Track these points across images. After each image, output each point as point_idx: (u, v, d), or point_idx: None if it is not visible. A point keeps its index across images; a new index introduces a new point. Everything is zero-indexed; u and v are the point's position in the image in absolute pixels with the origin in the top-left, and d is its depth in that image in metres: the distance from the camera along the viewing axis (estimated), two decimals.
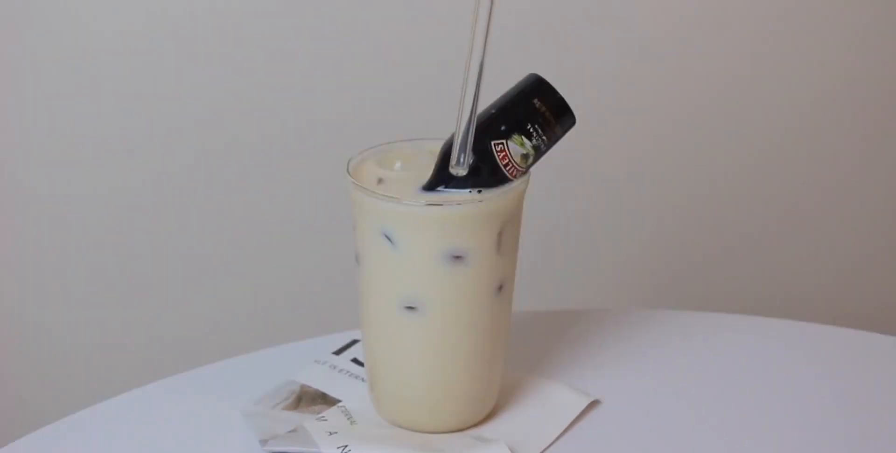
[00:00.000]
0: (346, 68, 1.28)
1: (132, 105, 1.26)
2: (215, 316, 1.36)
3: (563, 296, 1.43)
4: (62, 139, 1.26)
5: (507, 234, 0.73)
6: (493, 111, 0.72)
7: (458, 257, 0.72)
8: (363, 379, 0.82)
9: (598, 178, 1.38)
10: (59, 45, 1.22)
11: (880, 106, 1.39)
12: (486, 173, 0.72)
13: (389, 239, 0.72)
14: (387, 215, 0.71)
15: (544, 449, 0.76)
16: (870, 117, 1.39)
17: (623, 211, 1.40)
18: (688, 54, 1.33)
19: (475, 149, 0.71)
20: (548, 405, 0.80)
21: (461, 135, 0.70)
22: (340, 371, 0.84)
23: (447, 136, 0.73)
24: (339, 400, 0.81)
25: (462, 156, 0.71)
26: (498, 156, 0.71)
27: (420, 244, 0.71)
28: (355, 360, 0.85)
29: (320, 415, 0.79)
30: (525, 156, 0.72)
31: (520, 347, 0.86)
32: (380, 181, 0.74)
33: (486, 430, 0.78)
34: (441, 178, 0.72)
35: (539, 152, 0.73)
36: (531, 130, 0.72)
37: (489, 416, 0.79)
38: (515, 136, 0.72)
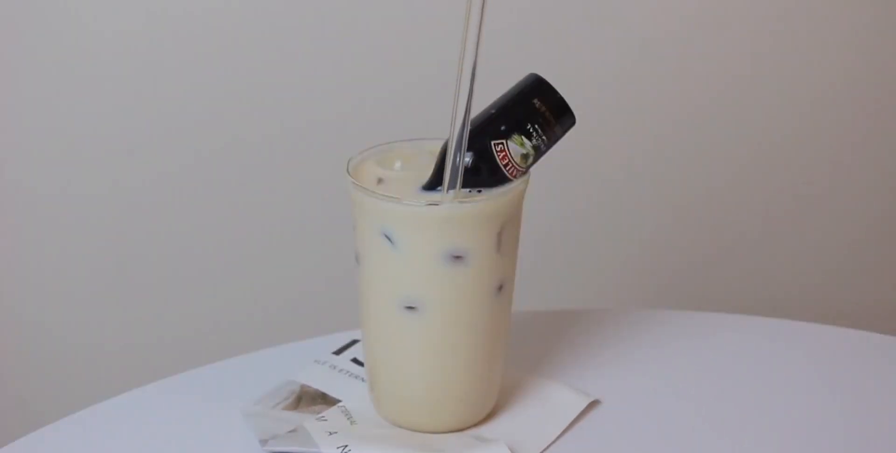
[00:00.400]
0: (346, 68, 1.28)
1: (132, 105, 1.26)
2: (215, 316, 1.36)
3: (563, 296, 1.43)
4: (62, 139, 1.26)
5: (507, 234, 0.73)
6: (493, 111, 0.72)
7: (458, 257, 0.72)
8: (363, 379, 0.82)
9: (598, 178, 1.38)
10: (59, 45, 1.22)
11: (880, 106, 1.39)
12: (486, 173, 0.72)
13: (389, 239, 0.72)
14: (387, 215, 0.71)
15: (544, 449, 0.76)
16: (870, 117, 1.39)
17: (623, 211, 1.40)
18: (688, 54, 1.33)
19: (475, 150, 0.71)
20: (548, 405, 0.80)
21: (450, 166, 0.70)
22: (340, 371, 0.84)
23: (447, 136, 0.73)
24: (339, 400, 0.81)
25: (455, 180, 0.71)
26: (498, 157, 0.71)
27: (420, 244, 0.71)
28: (355, 360, 0.85)
29: (320, 415, 0.79)
30: (525, 156, 0.72)
31: (520, 347, 0.86)
32: (380, 181, 0.74)
33: (486, 430, 0.78)
34: (441, 178, 0.72)
35: (539, 152, 0.73)
36: (531, 130, 0.72)
37: (489, 416, 0.79)
38: (515, 136, 0.72)
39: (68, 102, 1.25)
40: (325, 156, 1.29)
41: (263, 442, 0.76)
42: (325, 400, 0.81)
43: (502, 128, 0.72)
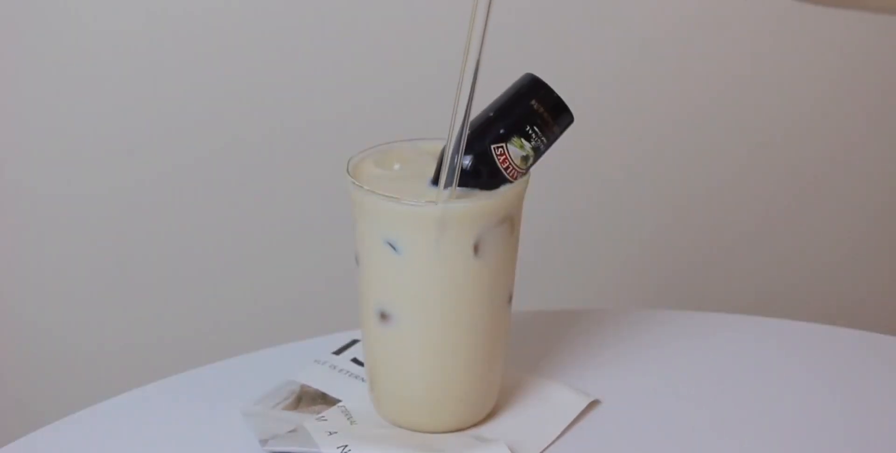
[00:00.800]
0: (346, 68, 1.28)
1: (132, 105, 1.26)
2: (215, 316, 1.36)
3: (563, 296, 1.43)
4: (62, 139, 1.26)
5: (507, 234, 0.73)
6: (491, 114, 0.72)
7: (457, 257, 0.72)
8: (363, 379, 0.82)
9: (598, 178, 1.38)
10: (59, 45, 1.22)
11: (880, 106, 1.39)
12: (485, 176, 0.72)
13: (390, 239, 0.72)
14: (386, 215, 0.71)
15: (544, 449, 0.76)
16: (869, 117, 1.40)
17: (623, 211, 1.40)
18: (688, 54, 1.33)
19: (475, 153, 0.71)
20: (548, 405, 0.80)
21: (448, 166, 0.70)
22: (340, 371, 0.84)
23: (447, 136, 0.73)
24: (339, 400, 0.81)
25: (449, 183, 0.71)
26: (498, 160, 0.71)
27: (420, 243, 0.71)
28: (355, 360, 0.85)
29: (320, 415, 0.79)
30: (525, 158, 0.72)
31: (520, 347, 0.86)
32: (380, 181, 0.74)
33: (486, 430, 0.78)
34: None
35: (539, 153, 0.72)
36: (530, 132, 0.72)
37: (489, 416, 0.79)
38: (515, 139, 0.72)
39: (68, 102, 1.25)
40: (325, 156, 1.29)
41: (263, 442, 0.76)
42: (325, 400, 0.81)
43: (501, 131, 0.71)
